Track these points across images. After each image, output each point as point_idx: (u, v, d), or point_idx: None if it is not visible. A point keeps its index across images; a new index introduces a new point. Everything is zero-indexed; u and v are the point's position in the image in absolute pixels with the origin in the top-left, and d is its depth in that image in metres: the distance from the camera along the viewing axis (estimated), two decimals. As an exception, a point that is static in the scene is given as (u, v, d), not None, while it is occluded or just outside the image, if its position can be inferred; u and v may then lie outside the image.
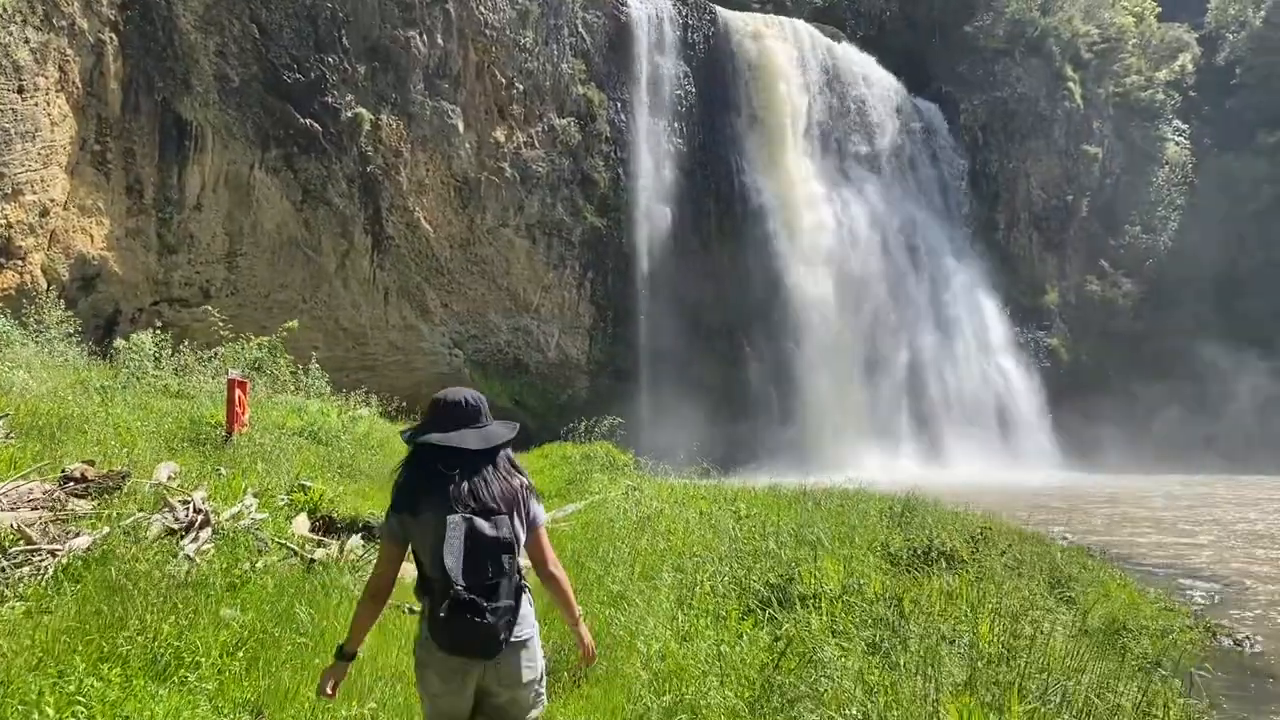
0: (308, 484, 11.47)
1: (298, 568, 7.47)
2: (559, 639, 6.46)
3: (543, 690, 4.09)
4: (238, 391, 15.23)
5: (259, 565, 7.13)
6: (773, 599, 7.07)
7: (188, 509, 8.34)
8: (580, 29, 41.76)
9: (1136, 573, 14.44)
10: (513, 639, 3.84)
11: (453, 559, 3.66)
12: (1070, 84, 56.04)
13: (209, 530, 8.04)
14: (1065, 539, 16.29)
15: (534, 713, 4.04)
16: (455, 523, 3.72)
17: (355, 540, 9.12)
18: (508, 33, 38.45)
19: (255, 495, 9.97)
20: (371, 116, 34.03)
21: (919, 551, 9.39)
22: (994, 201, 54.83)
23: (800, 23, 50.37)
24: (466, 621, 3.65)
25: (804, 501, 14.09)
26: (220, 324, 23.92)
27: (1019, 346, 51.59)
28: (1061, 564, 11.19)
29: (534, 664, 3.98)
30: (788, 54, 47.24)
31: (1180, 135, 58.65)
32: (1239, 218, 55.43)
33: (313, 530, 9.90)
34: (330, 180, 33.61)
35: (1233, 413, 51.94)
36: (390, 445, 18.36)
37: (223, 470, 11.16)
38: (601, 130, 41.23)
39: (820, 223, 45.26)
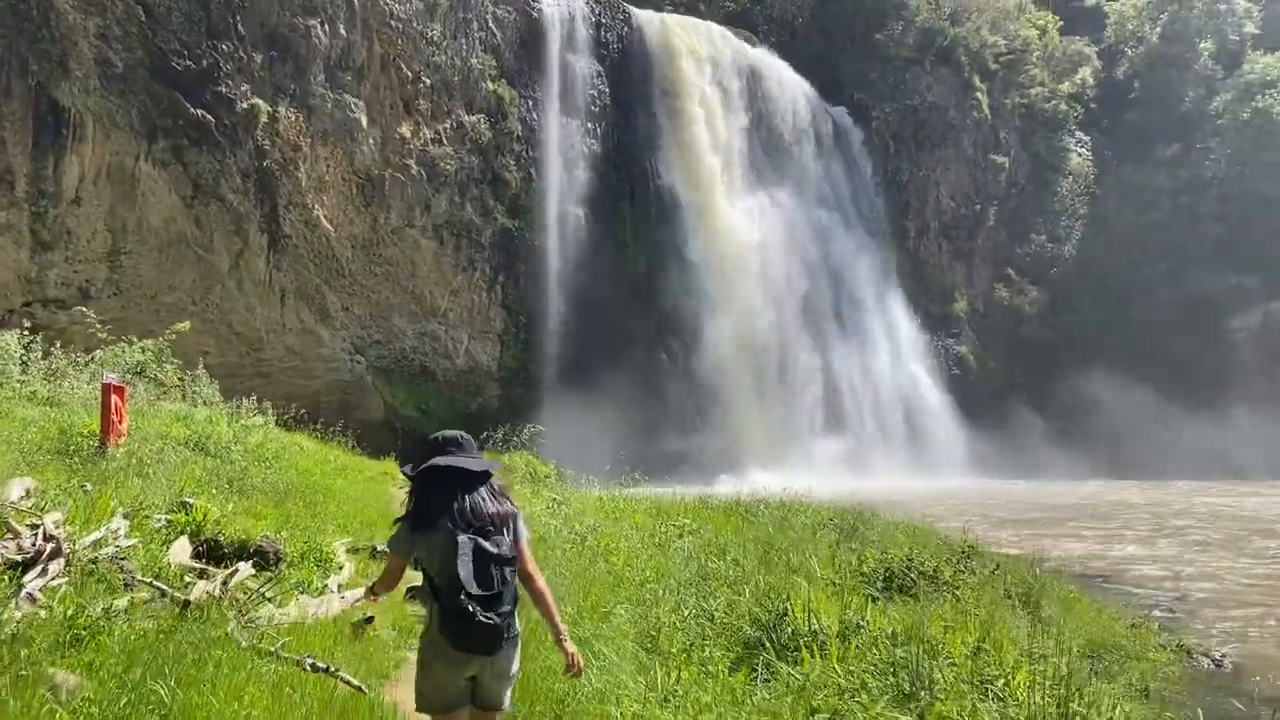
0: (191, 502, 9.99)
1: (169, 611, 6.09)
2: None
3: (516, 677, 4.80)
4: (114, 397, 13.60)
5: (116, 608, 5.73)
6: (764, 640, 6.00)
7: (36, 535, 6.88)
8: (491, 24, 40.40)
9: (1082, 584, 13.82)
10: (507, 637, 4.46)
11: (465, 571, 4.31)
12: (978, 94, 56.71)
13: (61, 562, 6.60)
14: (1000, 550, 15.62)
15: (507, 703, 4.70)
16: (464, 541, 4.37)
17: (245, 570, 7.73)
18: (414, 25, 36.86)
19: (126, 516, 8.50)
20: (268, 108, 32.07)
21: (897, 573, 8.45)
22: (905, 209, 55.09)
23: (714, 26, 49.82)
24: (477, 624, 4.28)
25: (741, 514, 13.06)
26: (98, 326, 21.99)
27: (929, 354, 51.79)
28: (1031, 581, 10.38)
29: (518, 659, 4.68)
30: (702, 56, 46.62)
31: (1082, 146, 59.87)
32: (1140, 227, 56.76)
33: (196, 557, 8.47)
34: (223, 175, 31.54)
35: (1133, 420, 52.93)
36: (286, 457, 16.78)
37: (89, 487, 9.63)
38: (513, 129, 39.91)
39: (735, 227, 44.69)
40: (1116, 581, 15.24)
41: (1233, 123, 56.24)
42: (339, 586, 8.81)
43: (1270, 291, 55.66)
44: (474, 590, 4.27)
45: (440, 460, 4.59)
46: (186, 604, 6.17)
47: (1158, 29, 60.72)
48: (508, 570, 4.43)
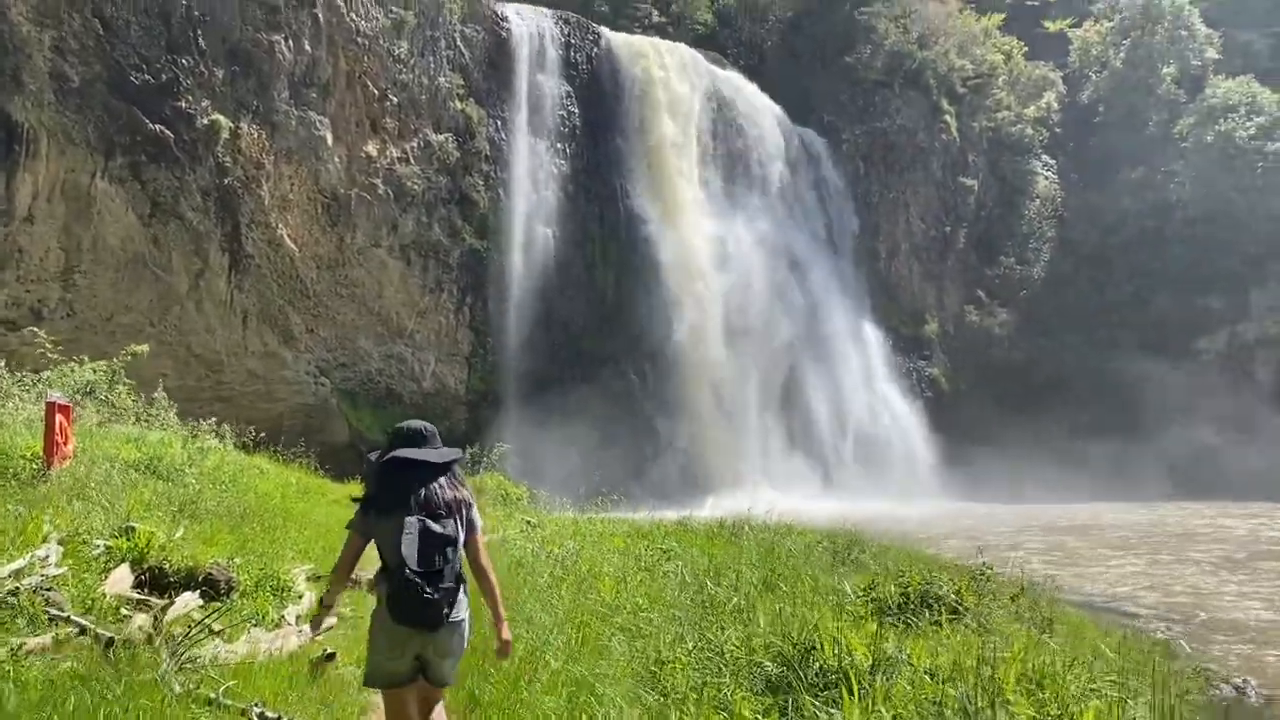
0: (135, 526, 9.20)
1: (91, 650, 5.31)
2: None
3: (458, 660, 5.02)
4: (59, 417, 12.81)
5: (27, 648, 4.96)
6: (790, 680, 5.33)
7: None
8: (459, 43, 39.86)
9: (1082, 607, 13.29)
10: (451, 619, 4.69)
11: (410, 549, 4.55)
12: (947, 117, 56.87)
13: (-27, 593, 5.84)
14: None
15: (451, 679, 5.00)
16: (411, 523, 4.62)
17: (188, 601, 6.96)
18: (381, 42, 36.22)
19: (60, 543, 7.72)
20: (230, 124, 31.23)
21: (913, 598, 7.83)
22: (875, 231, 55.00)
23: (684, 47, 49.58)
24: (417, 598, 4.53)
25: (725, 536, 12.42)
26: (48, 347, 21.05)
27: (901, 375, 51.53)
28: (1044, 607, 9.80)
29: (463, 640, 4.90)
30: (672, 78, 46.32)
31: (1049, 170, 60.18)
32: (1107, 250, 57.01)
33: (138, 586, 7.69)
34: (183, 192, 30.62)
35: (1102, 441, 52.93)
36: (244, 480, 15.94)
37: (21, 510, 8.83)
38: (481, 148, 39.30)
39: (706, 248, 44.26)
40: (1113, 603, 14.75)
41: (1197, 146, 56.71)
42: (297, 618, 8.05)
43: (1236, 314, 56.02)
44: (414, 567, 4.53)
45: (403, 452, 4.87)
46: (111, 643, 5.39)
47: (1121, 54, 61.29)
48: (449, 550, 4.66)
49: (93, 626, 5.62)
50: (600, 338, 40.67)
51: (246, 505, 14.26)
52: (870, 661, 5.35)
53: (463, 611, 4.79)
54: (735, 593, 7.45)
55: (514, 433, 33.93)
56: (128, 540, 8.34)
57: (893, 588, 7.97)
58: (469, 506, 4.90)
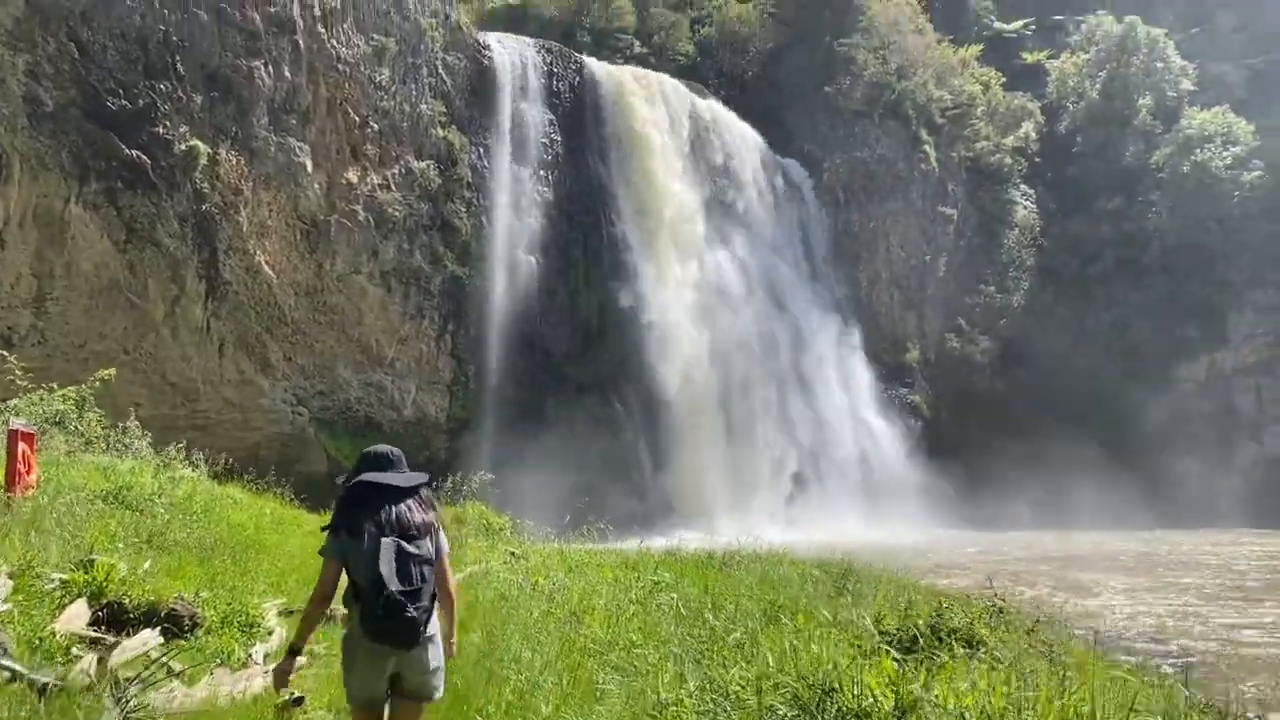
0: (97, 559, 8.71)
1: (24, 698, 4.83)
2: None
3: (443, 674, 5.02)
4: (22, 445, 12.34)
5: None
6: (807, 726, 4.94)
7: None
8: (441, 70, 39.69)
9: (1090, 639, 12.93)
10: (425, 635, 4.76)
11: (388, 569, 4.61)
12: (926, 147, 57.13)
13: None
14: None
15: (437, 694, 4.99)
16: (388, 543, 4.67)
17: (146, 640, 6.50)
18: (362, 69, 35.99)
19: (12, 576, 7.25)
20: (209, 150, 30.81)
21: (925, 632, 7.46)
22: (856, 259, 55.04)
23: (666, 77, 49.65)
24: (398, 617, 4.58)
25: (716, 566, 12.03)
26: (19, 374, 20.46)
27: (884, 403, 51.35)
28: (1052, 640, 9.44)
29: (438, 656, 4.94)
30: (654, 106, 46.34)
31: (1028, 199, 60.53)
32: (1085, 279, 57.25)
33: (95, 623, 7.23)
34: (160, 218, 30.12)
35: (1083, 470, 52.87)
36: (217, 511, 15.43)
37: (-25, 543, 8.35)
38: (463, 175, 39.05)
39: (689, 276, 44.10)
40: (1124, 636, 14.42)
41: (1173, 176, 57.23)
42: (265, 656, 7.59)
43: (1214, 343, 56.34)
44: (395, 586, 4.56)
45: (370, 476, 4.92)
46: (45, 689, 4.90)
47: (1097, 85, 61.91)
48: (426, 569, 4.74)
49: (25, 671, 5.11)
50: (583, 365, 40.34)
51: (218, 537, 13.77)
52: (894, 703, 4.96)
53: (434, 628, 4.88)
54: (736, 625, 7.07)
55: (495, 461, 33.40)
56: (86, 574, 7.87)
57: (908, 621, 7.58)
58: (437, 530, 5.01)
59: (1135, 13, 64.77)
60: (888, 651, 5.96)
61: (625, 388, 41.30)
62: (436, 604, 4.87)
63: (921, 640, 7.22)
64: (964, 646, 7.22)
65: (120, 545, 11.15)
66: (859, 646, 6.68)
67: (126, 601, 7.52)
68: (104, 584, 7.72)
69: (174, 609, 7.57)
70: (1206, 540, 38.95)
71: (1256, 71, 64.25)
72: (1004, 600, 8.98)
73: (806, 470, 45.79)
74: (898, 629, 7.42)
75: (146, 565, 9.92)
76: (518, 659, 6.39)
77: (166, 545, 12.36)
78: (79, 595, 7.50)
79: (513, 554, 11.94)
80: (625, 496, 36.62)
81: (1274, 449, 54.42)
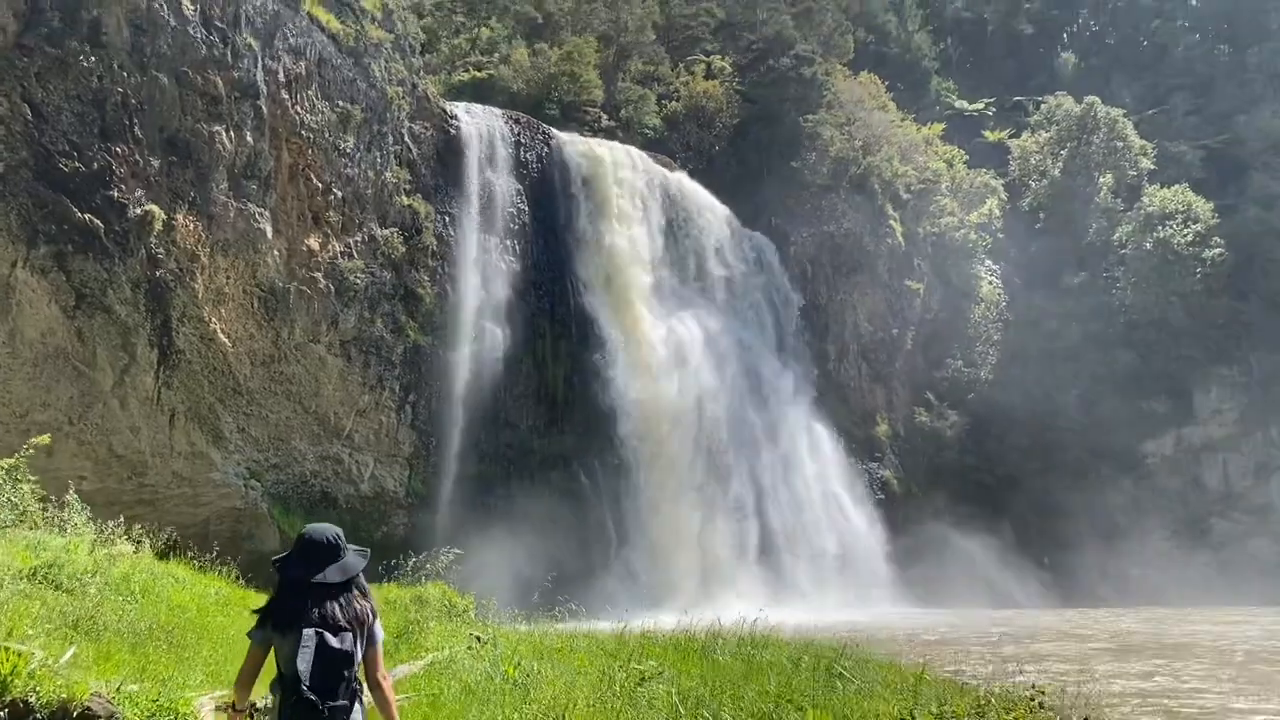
0: (9, 647, 7.63)
1: None
2: None
3: None
4: (-63, 520, 11.23)
5: None
6: None
7: None
8: (407, 139, 39.27)
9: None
10: None
11: (304, 665, 4.58)
12: (892, 221, 57.47)
13: None
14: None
15: None
16: (309, 636, 4.63)
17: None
18: (326, 135, 35.39)
19: (-105, 672, 6.19)
20: (164, 215, 29.83)
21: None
22: (824, 332, 54.83)
23: (634, 149, 49.64)
24: (310, 714, 4.55)
25: (696, 651, 11.07)
26: (-51, 443, 19.23)
27: (854, 478, 50.67)
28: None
29: None
30: (623, 178, 46.18)
31: (993, 274, 60.88)
32: (1052, 354, 57.32)
33: (-8, 726, 6.17)
34: (111, 284, 29.00)
35: (1055, 547, 52.40)
36: (157, 590, 14.28)
37: None
38: (428, 244, 38.39)
39: (657, 348, 43.50)
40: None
41: (1136, 252, 57.88)
42: (193, 762, 6.55)
43: (1180, 417, 56.47)
44: (307, 683, 4.54)
45: (300, 573, 4.82)
46: None
47: (1059, 164, 62.85)
48: (345, 668, 4.67)
49: None
50: (548, 438, 39.41)
51: (155, 619, 12.63)
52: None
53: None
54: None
55: (456, 538, 32.11)
56: (-12, 667, 6.81)
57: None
58: (373, 617, 4.93)
59: (1093, 94, 66.19)
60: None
61: (592, 461, 40.33)
62: (366, 698, 4.80)
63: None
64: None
65: (41, 631, 10.05)
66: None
67: (33, 700, 6.46)
68: (8, 678, 6.66)
69: (88, 708, 6.52)
70: (1190, 619, 38.20)
71: (1212, 151, 65.70)
72: (1044, 693, 8.13)
73: (777, 544, 44.78)
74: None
75: (69, 654, 8.83)
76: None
77: (96, 630, 11.23)
78: (-25, 693, 6.45)
79: (478, 638, 10.94)
80: (593, 574, 35.39)
81: (1242, 526, 54.22)
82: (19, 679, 6.77)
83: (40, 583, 12.74)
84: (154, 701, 7.49)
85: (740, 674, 8.62)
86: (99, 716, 6.55)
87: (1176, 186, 59.13)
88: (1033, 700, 7.70)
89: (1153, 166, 62.32)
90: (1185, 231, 56.36)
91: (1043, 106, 68.53)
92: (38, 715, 6.38)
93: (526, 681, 8.22)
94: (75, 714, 6.44)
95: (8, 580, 12.01)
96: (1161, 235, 56.62)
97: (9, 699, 6.51)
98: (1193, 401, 56.31)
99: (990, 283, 60.59)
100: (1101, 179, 60.87)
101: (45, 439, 18.87)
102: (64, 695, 6.66)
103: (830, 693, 8.15)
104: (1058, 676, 15.01)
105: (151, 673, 9.60)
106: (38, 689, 6.72)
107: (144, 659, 10.35)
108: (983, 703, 7.37)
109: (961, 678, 12.64)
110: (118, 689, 7.37)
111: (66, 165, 28.29)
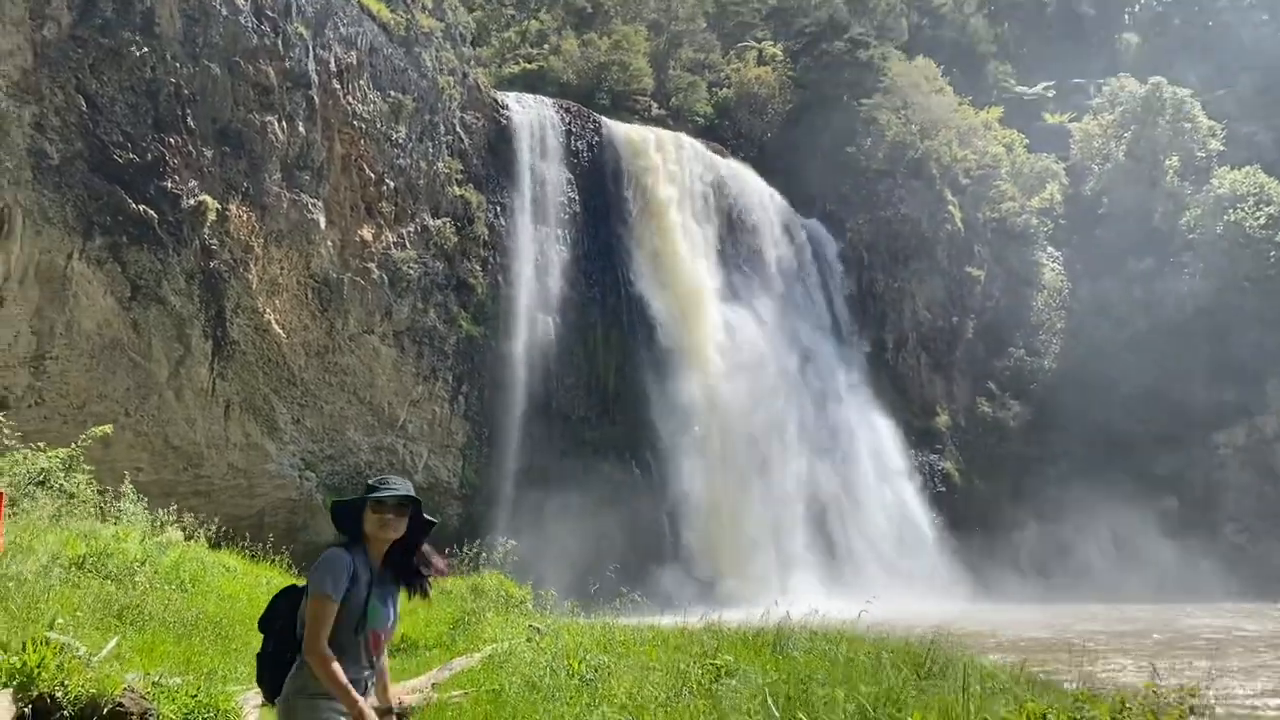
0: (54, 637, 7.26)
1: None
2: None
3: None
4: (-17, 507, 11.01)
5: None
6: None
7: None
8: (458, 128, 39.02)
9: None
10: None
11: None
12: (951, 207, 56.09)
13: None
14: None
15: None
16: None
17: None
18: (378, 125, 35.24)
19: (-81, 662, 5.81)
20: (218, 205, 29.86)
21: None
22: (882, 321, 53.70)
23: (685, 137, 48.98)
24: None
25: (767, 644, 10.47)
26: (5, 434, 19.19)
27: (914, 470, 49.56)
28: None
29: None
30: (674, 167, 45.55)
31: (1055, 261, 59.18)
32: (1118, 342, 55.51)
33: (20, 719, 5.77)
34: (166, 275, 29.06)
35: (1121, 540, 50.87)
36: (207, 580, 14.00)
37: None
38: (480, 233, 38.11)
39: (709, 336, 42.82)
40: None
41: (1206, 237, 55.79)
42: (232, 763, 6.10)
43: (1254, 406, 54.38)
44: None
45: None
46: None
47: (1123, 147, 60.88)
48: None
49: None
50: (601, 428, 38.97)
51: (203, 610, 12.31)
52: None
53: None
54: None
55: (510, 528, 31.83)
56: (19, 658, 6.42)
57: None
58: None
59: (1157, 76, 64.01)
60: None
61: (644, 452, 39.81)
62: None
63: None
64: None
65: (85, 621, 9.74)
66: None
67: (60, 695, 6.05)
68: (35, 672, 6.26)
69: (120, 704, 6.11)
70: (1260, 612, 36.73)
71: (1286, 132, 63.23)
72: (1192, 693, 7.38)
73: (836, 538, 43.92)
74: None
75: (111, 645, 8.47)
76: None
77: (141, 620, 10.92)
78: (4, 686, 6.06)
79: (537, 630, 10.46)
80: (645, 566, 34.85)
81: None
82: (46, 672, 6.37)
83: (89, 572, 12.51)
84: (192, 697, 7.04)
85: (824, 671, 8.02)
86: (131, 713, 6.13)
87: (1248, 168, 56.90)
88: (1182, 704, 6.98)
89: (1222, 148, 60.03)
90: (1258, 214, 54.20)
91: (1105, 89, 66.42)
92: (65, 711, 5.97)
93: (594, 676, 7.73)
94: (106, 710, 6.03)
95: (56, 569, 11.75)
96: (1232, 218, 54.52)
97: (36, 693, 6.11)
98: (1265, 389, 54.19)
99: (1053, 269, 58.86)
100: (1168, 161, 58.82)
101: (106, 429, 18.77)
102: (94, 690, 6.25)
103: (932, 693, 7.52)
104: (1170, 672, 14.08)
105: (196, 665, 9.24)
106: (66, 682, 6.32)
107: (189, 650, 10.01)
108: (1126, 706, 6.68)
109: (1057, 678, 11.88)
110: (155, 682, 6.96)
111: (121, 156, 28.37)
